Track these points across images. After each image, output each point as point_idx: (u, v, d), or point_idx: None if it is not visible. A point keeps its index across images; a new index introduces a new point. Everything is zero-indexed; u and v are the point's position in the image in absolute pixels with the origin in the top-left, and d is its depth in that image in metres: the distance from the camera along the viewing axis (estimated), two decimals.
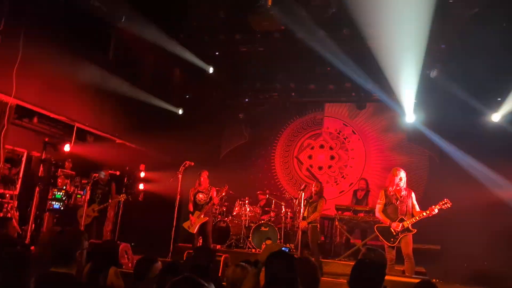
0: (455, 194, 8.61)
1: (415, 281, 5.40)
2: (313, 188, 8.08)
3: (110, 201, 8.55)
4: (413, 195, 6.42)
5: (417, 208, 6.33)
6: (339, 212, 8.93)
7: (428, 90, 10.34)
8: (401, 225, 6.22)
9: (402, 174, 6.38)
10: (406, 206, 6.30)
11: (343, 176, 11.95)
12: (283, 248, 2.74)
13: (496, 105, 9.69)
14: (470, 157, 9.44)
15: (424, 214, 6.16)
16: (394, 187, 6.36)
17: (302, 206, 7.44)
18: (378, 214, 6.51)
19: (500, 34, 8.55)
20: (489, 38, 8.66)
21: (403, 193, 6.34)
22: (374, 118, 11.93)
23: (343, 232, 9.19)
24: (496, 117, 9.66)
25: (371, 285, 2.52)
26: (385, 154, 11.69)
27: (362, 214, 8.77)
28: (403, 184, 6.35)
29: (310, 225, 7.80)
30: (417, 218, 6.20)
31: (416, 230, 6.25)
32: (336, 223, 8.82)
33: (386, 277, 4.78)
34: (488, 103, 9.77)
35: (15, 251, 2.59)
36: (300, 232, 7.60)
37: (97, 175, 8.31)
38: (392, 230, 6.27)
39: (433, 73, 9.27)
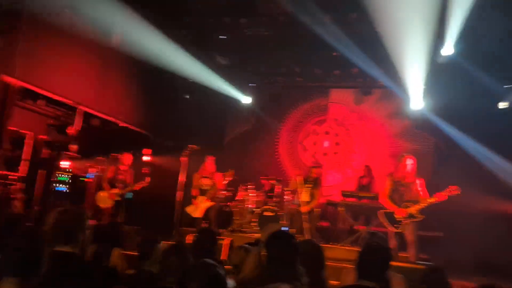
0: (460, 181, 8.54)
1: (418, 267, 5.40)
2: (315, 174, 8.08)
3: (134, 186, 8.48)
4: (420, 182, 6.35)
5: (424, 195, 6.26)
6: (344, 198, 8.90)
7: (436, 76, 10.23)
8: (406, 211, 6.18)
9: (410, 161, 6.31)
10: (413, 193, 6.25)
11: (348, 163, 11.90)
12: (283, 228, 2.70)
13: (506, 92, 9.59)
14: (477, 144, 9.36)
15: (432, 200, 6.10)
16: (401, 173, 6.31)
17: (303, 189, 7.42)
18: (384, 200, 6.44)
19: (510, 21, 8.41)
20: (499, 24, 8.52)
21: (410, 179, 6.29)
22: (380, 105, 11.83)
23: (346, 218, 9.18)
24: (503, 105, 9.57)
25: (379, 269, 2.50)
26: (390, 140, 11.60)
27: (366, 201, 8.74)
28: (410, 170, 6.28)
29: (311, 211, 7.78)
30: (423, 205, 6.14)
31: (422, 217, 6.20)
32: (340, 208, 8.80)
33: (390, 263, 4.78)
34: (497, 90, 9.66)
35: (30, 228, 2.58)
36: (305, 217, 7.62)
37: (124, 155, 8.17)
38: (397, 217, 6.24)
39: (442, 59, 9.11)
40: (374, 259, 2.50)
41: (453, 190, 6.04)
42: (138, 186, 8.31)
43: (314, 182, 8.07)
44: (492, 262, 8.05)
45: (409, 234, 6.22)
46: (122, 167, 8.38)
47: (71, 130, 8.36)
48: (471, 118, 9.44)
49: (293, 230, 8.32)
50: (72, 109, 8.88)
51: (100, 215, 8.05)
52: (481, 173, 9.01)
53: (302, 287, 2.33)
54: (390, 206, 6.32)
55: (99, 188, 8.08)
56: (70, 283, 2.45)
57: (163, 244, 3.45)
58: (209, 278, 1.78)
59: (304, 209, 7.75)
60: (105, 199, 8.07)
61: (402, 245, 6.41)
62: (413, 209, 6.16)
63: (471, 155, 9.35)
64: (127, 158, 8.46)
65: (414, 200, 6.23)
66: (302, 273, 2.46)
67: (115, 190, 8.18)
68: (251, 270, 2.60)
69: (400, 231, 6.26)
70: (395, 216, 6.27)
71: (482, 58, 9.00)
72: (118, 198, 8.21)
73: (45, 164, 8.04)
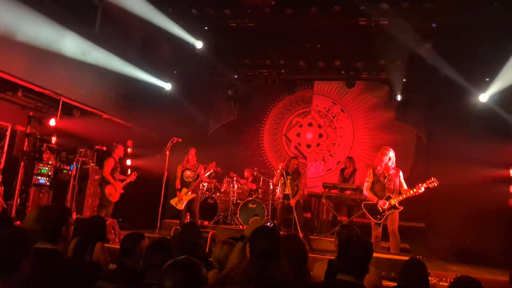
0: (441, 173, 8.72)
1: (400, 257, 5.51)
2: (293, 165, 8.13)
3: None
4: (401, 173, 6.50)
5: (405, 186, 6.41)
6: (326, 189, 8.99)
7: (418, 69, 10.36)
8: (387, 203, 6.30)
9: (391, 153, 6.43)
10: (394, 185, 6.36)
11: (331, 154, 12.00)
12: (268, 224, 2.74)
13: (484, 86, 9.76)
14: (457, 137, 9.53)
15: (411, 192, 6.24)
16: (383, 165, 6.42)
17: (284, 182, 7.45)
18: (366, 192, 6.57)
19: (489, 15, 8.54)
20: (478, 18, 8.64)
21: (391, 171, 6.39)
22: (363, 97, 11.92)
23: (329, 210, 9.28)
24: (483, 97, 9.74)
25: (359, 264, 2.55)
26: (373, 132, 11.73)
27: (348, 192, 8.85)
28: (391, 163, 6.41)
29: (297, 202, 7.87)
30: (404, 196, 6.27)
31: (402, 208, 6.34)
32: (323, 200, 8.88)
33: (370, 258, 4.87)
34: (476, 84, 9.83)
35: (14, 227, 2.55)
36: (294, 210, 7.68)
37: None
38: (379, 208, 6.37)
39: (423, 53, 9.21)
40: (354, 254, 2.55)
41: (431, 183, 6.20)
42: (126, 181, 8.22)
43: (294, 173, 8.11)
44: (470, 251, 8.26)
45: (390, 225, 6.35)
46: (117, 159, 8.25)
47: (52, 122, 8.24)
48: (451, 111, 9.60)
49: (275, 222, 8.40)
50: (54, 100, 8.75)
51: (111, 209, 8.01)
52: (461, 164, 9.18)
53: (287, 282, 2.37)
54: (372, 198, 6.45)
55: (105, 182, 7.87)
56: (52, 281, 2.44)
57: (147, 239, 3.44)
58: (184, 278, 1.78)
59: (292, 202, 7.81)
60: (115, 192, 7.97)
61: (385, 235, 6.53)
62: (394, 201, 6.30)
63: (451, 147, 9.52)
64: (120, 150, 8.32)
65: (394, 191, 6.36)
66: (285, 267, 2.50)
67: (119, 183, 8.10)
68: (235, 266, 2.62)
69: (382, 222, 6.40)
70: (377, 207, 6.39)
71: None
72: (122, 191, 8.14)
73: (25, 157, 7.91)
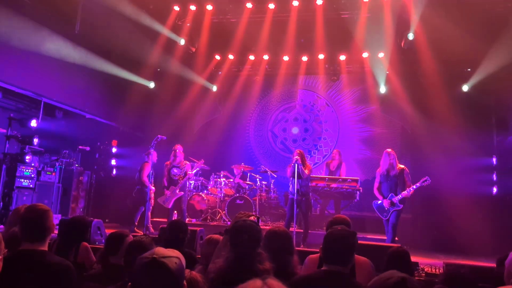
0: (426, 164, 8.84)
1: (386, 244, 5.61)
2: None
3: None
4: (405, 173, 6.95)
5: (408, 182, 6.89)
6: (313, 183, 9.00)
7: (400, 61, 10.42)
8: (390, 202, 6.85)
9: (392, 155, 6.99)
10: (396, 184, 6.91)
11: (317, 148, 12.04)
12: (251, 218, 2.73)
13: (466, 76, 9.88)
14: (441, 127, 9.63)
15: (405, 192, 6.81)
16: (386, 167, 6.96)
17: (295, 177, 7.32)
18: (375, 191, 7.14)
19: (469, 5, 8.64)
20: (458, 9, 8.72)
21: (394, 172, 6.93)
22: (347, 90, 11.97)
23: (317, 203, 9.32)
24: (465, 87, 9.86)
25: (344, 253, 2.56)
26: (359, 125, 11.80)
27: (335, 185, 8.86)
28: (393, 164, 6.93)
29: (305, 198, 7.68)
30: (400, 196, 6.82)
31: (402, 206, 6.84)
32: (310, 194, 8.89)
33: (360, 242, 4.90)
34: (458, 74, 9.94)
35: None
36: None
37: None
38: (384, 206, 6.92)
39: (405, 44, 9.27)
40: (339, 244, 2.56)
41: (424, 182, 6.78)
42: None
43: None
44: (455, 241, 8.35)
45: (391, 221, 6.86)
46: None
47: (33, 123, 8.11)
48: (435, 101, 9.67)
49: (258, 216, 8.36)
50: (35, 101, 8.62)
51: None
52: (445, 155, 9.29)
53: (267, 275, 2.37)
54: (379, 197, 7.04)
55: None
56: (35, 282, 2.40)
57: (132, 237, 3.40)
58: (158, 276, 1.74)
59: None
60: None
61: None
62: (395, 199, 6.82)
63: (435, 137, 9.62)
64: (154, 156, 8.49)
65: (397, 190, 6.87)
66: (264, 259, 2.51)
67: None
68: (217, 260, 2.60)
69: (388, 219, 6.92)
70: (383, 206, 6.95)
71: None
72: None
73: (7, 159, 7.77)
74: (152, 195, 8.13)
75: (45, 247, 2.72)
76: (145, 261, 1.75)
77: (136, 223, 8.34)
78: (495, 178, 9.80)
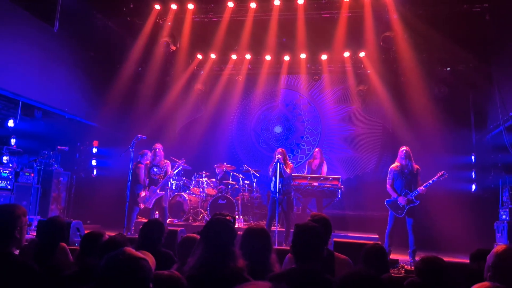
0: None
1: (367, 242, 5.66)
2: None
3: None
4: (418, 170, 6.96)
5: (420, 181, 6.87)
6: (296, 182, 9.02)
7: (381, 60, 10.54)
8: (406, 198, 6.81)
9: (407, 152, 6.94)
10: (411, 182, 6.89)
11: (300, 147, 12.09)
12: (227, 217, 2.73)
13: (445, 75, 10.03)
14: (421, 126, 9.76)
15: (422, 188, 6.73)
16: (401, 163, 6.94)
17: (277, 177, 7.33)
18: (388, 188, 7.06)
19: (447, 5, 8.78)
20: (437, 9, 8.86)
21: (409, 169, 6.90)
22: (329, 90, 12.05)
23: (299, 202, 9.35)
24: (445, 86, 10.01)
25: (312, 249, 2.57)
26: (340, 124, 11.88)
27: (317, 183, 8.88)
28: (409, 160, 6.90)
29: (286, 196, 7.70)
30: (417, 192, 6.76)
31: (419, 202, 6.81)
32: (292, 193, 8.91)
33: (341, 240, 4.95)
34: (437, 73, 10.07)
35: None
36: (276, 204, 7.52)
37: None
38: (399, 203, 6.87)
39: (385, 44, 9.37)
40: (305, 240, 2.58)
41: (442, 176, 6.73)
42: None
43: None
44: (435, 238, 8.47)
45: (409, 223, 6.90)
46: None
47: (11, 123, 7.96)
48: (415, 100, 9.80)
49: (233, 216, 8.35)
50: (13, 101, 8.46)
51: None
52: (426, 152, 9.40)
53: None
54: (393, 194, 6.97)
55: None
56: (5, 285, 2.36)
57: (108, 237, 3.37)
58: (122, 275, 1.73)
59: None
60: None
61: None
62: (411, 196, 6.78)
63: (416, 135, 9.74)
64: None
65: (412, 187, 6.85)
66: (238, 256, 2.52)
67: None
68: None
69: (403, 216, 6.88)
70: (397, 203, 6.90)
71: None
72: None
73: None
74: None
75: (11, 249, 2.68)
76: (112, 259, 1.74)
77: (133, 227, 8.10)
78: (474, 176, 9.97)
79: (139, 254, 1.82)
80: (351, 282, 1.62)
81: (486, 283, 2.26)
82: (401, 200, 6.82)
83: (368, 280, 1.61)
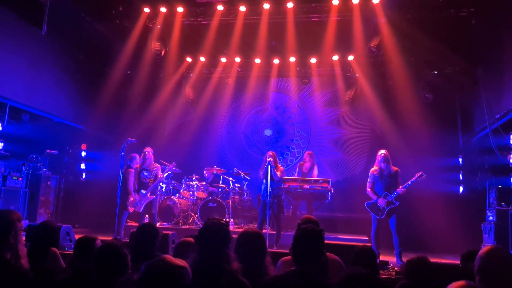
0: (395, 164, 8.99)
1: (356, 244, 5.70)
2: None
3: None
4: (398, 172, 7.04)
5: (400, 183, 6.94)
6: (286, 184, 9.06)
7: (369, 64, 10.64)
8: (386, 200, 6.86)
9: (385, 156, 7.02)
10: (391, 184, 6.94)
11: (290, 150, 12.14)
12: (221, 222, 2.75)
13: (433, 78, 10.15)
14: (409, 128, 9.86)
15: (400, 189, 6.82)
16: (379, 166, 7.01)
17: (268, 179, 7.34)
18: (368, 190, 7.11)
19: (434, 10, 8.91)
20: (425, 13, 8.99)
21: (388, 171, 6.97)
22: (318, 93, 12.12)
23: (289, 204, 9.38)
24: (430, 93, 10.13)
25: (313, 252, 2.60)
26: (330, 127, 11.96)
27: (307, 186, 8.92)
28: (387, 164, 6.97)
29: (277, 199, 7.67)
30: (396, 193, 6.84)
31: (399, 203, 6.86)
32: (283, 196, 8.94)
33: (331, 242, 4.98)
34: (425, 76, 10.19)
35: None
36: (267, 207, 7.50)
37: None
38: (379, 205, 6.92)
39: (372, 48, 9.45)
40: (307, 243, 2.60)
41: (420, 177, 6.85)
42: None
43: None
44: (422, 239, 8.57)
45: (393, 223, 6.90)
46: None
47: None
48: (403, 104, 9.91)
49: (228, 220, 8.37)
50: (0, 105, 8.36)
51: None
52: (414, 155, 9.50)
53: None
54: (373, 196, 7.02)
55: None
56: None
57: (100, 242, 3.35)
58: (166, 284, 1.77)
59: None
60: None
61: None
62: (390, 197, 6.84)
63: (404, 138, 9.85)
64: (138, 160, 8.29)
65: (391, 189, 6.89)
66: (232, 259, 2.54)
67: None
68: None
69: (383, 218, 6.89)
70: (377, 205, 6.94)
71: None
72: None
73: None
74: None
75: (6, 255, 2.66)
76: (153, 267, 1.77)
77: (123, 232, 7.98)
78: (461, 178, 10.11)
79: (178, 262, 1.85)
80: (351, 282, 1.64)
81: (462, 282, 2.28)
82: (381, 202, 6.89)
83: (368, 280, 1.64)
